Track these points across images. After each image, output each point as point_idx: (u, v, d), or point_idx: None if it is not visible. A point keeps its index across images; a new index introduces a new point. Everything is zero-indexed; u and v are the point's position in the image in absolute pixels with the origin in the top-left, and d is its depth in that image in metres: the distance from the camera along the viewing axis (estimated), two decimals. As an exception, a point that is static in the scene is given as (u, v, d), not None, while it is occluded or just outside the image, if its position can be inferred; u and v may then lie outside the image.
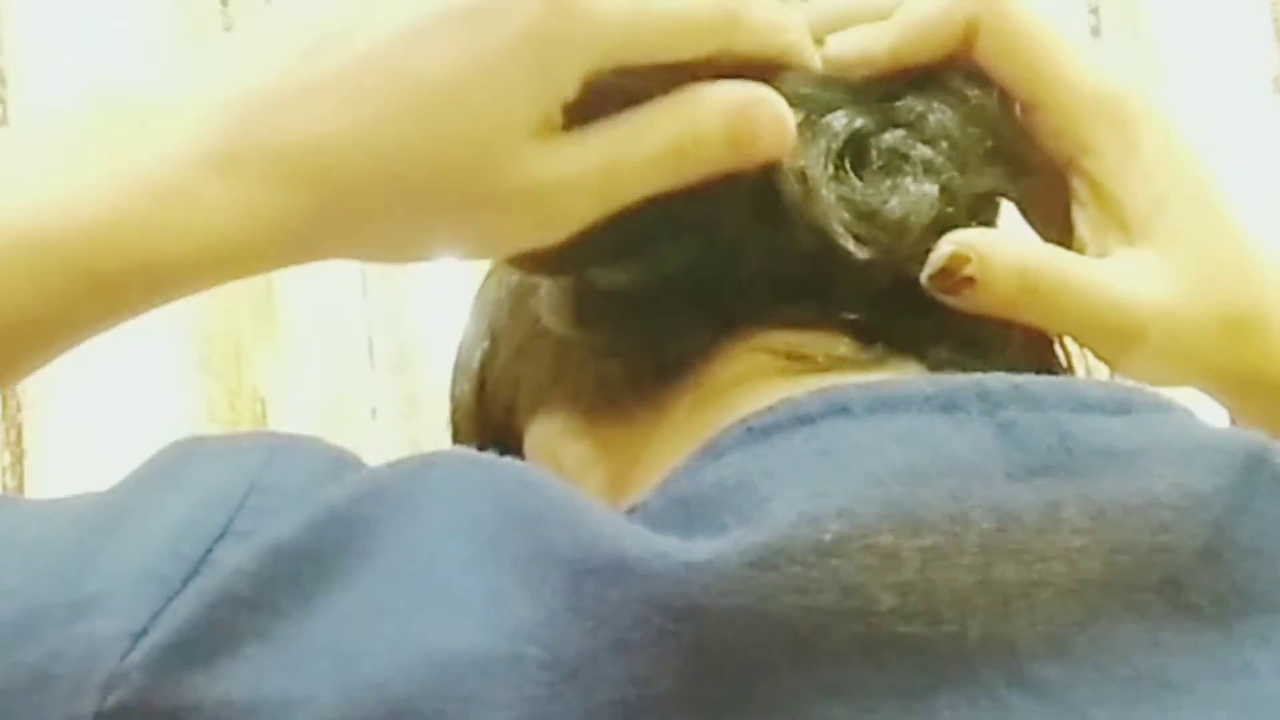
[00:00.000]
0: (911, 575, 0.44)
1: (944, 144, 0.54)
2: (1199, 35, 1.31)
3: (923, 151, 0.54)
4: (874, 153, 0.53)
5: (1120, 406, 0.49)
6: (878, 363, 0.53)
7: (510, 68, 0.48)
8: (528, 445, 0.59)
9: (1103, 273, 0.54)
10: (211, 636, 0.43)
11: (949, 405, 0.47)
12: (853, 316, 0.53)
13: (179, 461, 0.48)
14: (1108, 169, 0.55)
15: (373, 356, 1.23)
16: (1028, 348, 0.56)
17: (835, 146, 0.53)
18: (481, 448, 0.60)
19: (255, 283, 1.18)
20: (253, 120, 0.48)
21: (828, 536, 0.44)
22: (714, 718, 0.43)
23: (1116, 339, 0.54)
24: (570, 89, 0.48)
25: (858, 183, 0.53)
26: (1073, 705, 0.44)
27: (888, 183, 0.53)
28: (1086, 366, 0.59)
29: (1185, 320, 0.54)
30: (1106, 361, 0.55)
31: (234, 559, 0.44)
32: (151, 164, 0.47)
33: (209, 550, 0.44)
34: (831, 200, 0.52)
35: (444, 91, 0.48)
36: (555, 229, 0.50)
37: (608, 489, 0.55)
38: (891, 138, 0.54)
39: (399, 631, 0.43)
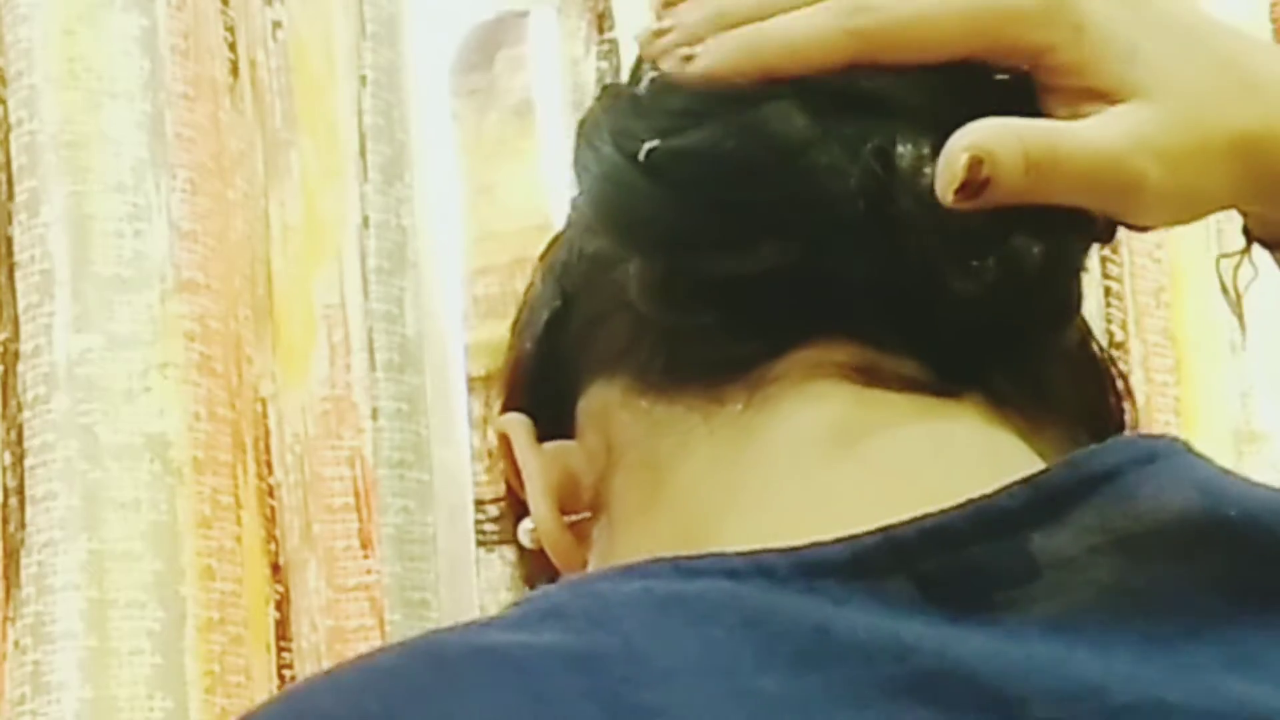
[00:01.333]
0: None
1: None
2: (1199, 35, 1.30)
3: None
4: None
5: (1045, 515, 0.49)
6: (942, 390, 0.53)
7: None
8: (581, 409, 0.60)
9: (1088, 131, 0.53)
10: None
11: (868, 571, 0.48)
12: (930, 342, 0.54)
13: None
14: (1067, 56, 0.54)
15: (373, 356, 1.23)
16: (1086, 397, 0.56)
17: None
18: (535, 407, 0.62)
19: (255, 282, 1.18)
20: None
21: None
22: None
23: (1119, 193, 0.53)
24: None
25: (976, 219, 0.53)
26: None
27: (1005, 223, 0.53)
28: (1134, 408, 0.60)
29: (1185, 154, 0.54)
30: (1121, 220, 0.55)
31: None
32: None
33: None
34: (944, 228, 0.53)
35: None
36: None
37: (646, 467, 0.56)
38: None
39: None
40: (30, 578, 1.10)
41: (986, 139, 0.52)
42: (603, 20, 1.26)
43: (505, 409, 0.64)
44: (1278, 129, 0.55)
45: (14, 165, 1.15)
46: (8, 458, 1.13)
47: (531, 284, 0.65)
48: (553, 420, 0.61)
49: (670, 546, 0.51)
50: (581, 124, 0.58)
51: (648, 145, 0.54)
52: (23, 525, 1.12)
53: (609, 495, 0.59)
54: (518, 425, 0.62)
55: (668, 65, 0.56)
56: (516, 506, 0.63)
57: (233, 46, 1.20)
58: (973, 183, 0.51)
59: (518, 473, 0.62)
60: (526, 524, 0.61)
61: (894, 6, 0.54)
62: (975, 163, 0.51)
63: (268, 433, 1.19)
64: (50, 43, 1.16)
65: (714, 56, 0.55)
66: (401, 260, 1.25)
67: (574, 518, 0.60)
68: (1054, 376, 0.56)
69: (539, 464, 0.60)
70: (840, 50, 0.54)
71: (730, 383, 0.55)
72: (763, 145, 0.54)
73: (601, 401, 0.59)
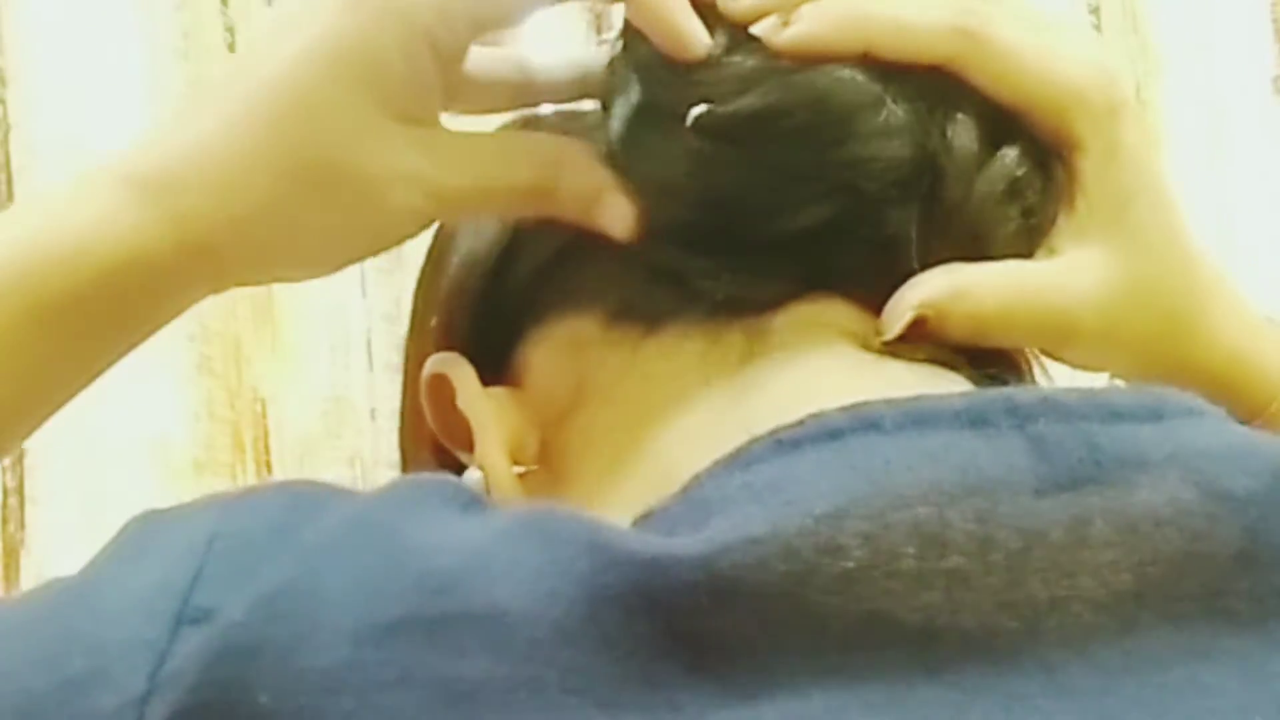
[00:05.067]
0: (937, 598, 0.44)
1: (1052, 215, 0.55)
2: (1199, 35, 1.31)
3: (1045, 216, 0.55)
4: (1026, 197, 0.54)
5: (1151, 413, 0.49)
6: (940, 360, 0.53)
7: (332, 58, 0.53)
8: (534, 347, 0.57)
9: (1046, 282, 0.54)
10: (215, 690, 0.42)
11: (978, 420, 0.47)
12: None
13: (139, 533, 0.48)
14: (1091, 165, 0.55)
15: (372, 356, 1.23)
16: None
17: (1002, 182, 0.54)
18: (475, 349, 0.58)
19: (255, 283, 1.18)
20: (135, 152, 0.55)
21: (850, 564, 0.44)
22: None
23: (1052, 340, 0.55)
24: (398, 66, 0.53)
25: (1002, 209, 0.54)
26: (1108, 712, 0.44)
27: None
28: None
29: (1125, 317, 0.55)
30: (1040, 352, 0.56)
31: (215, 603, 0.44)
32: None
33: (185, 601, 0.44)
34: (979, 223, 0.54)
35: (277, 89, 0.53)
36: (394, 221, 0.55)
37: (625, 401, 0.55)
38: (1035, 195, 0.55)
39: (407, 660, 0.43)
40: (30, 578, 1.10)
41: (939, 297, 0.53)
42: (601, 20, 1.26)
43: (436, 348, 0.59)
44: (1198, 309, 0.56)
45: (14, 165, 1.15)
46: (8, 458, 1.13)
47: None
48: (492, 364, 0.57)
49: (645, 491, 0.49)
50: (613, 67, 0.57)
51: (703, 107, 0.53)
52: (22, 525, 1.12)
53: (566, 438, 0.56)
54: (461, 368, 0.57)
55: (760, 29, 0.54)
56: (443, 462, 0.58)
57: (232, 47, 1.20)
58: (915, 328, 0.52)
59: (449, 423, 0.57)
60: (472, 480, 0.56)
61: (1003, 28, 0.54)
62: (920, 321, 0.52)
63: (268, 433, 1.19)
64: (50, 43, 1.16)
65: (814, 24, 0.53)
66: (401, 260, 1.25)
67: (520, 470, 0.56)
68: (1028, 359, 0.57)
69: (490, 411, 0.56)
70: (944, 44, 0.54)
71: (729, 326, 0.54)
72: (818, 106, 0.53)
73: (572, 336, 0.56)
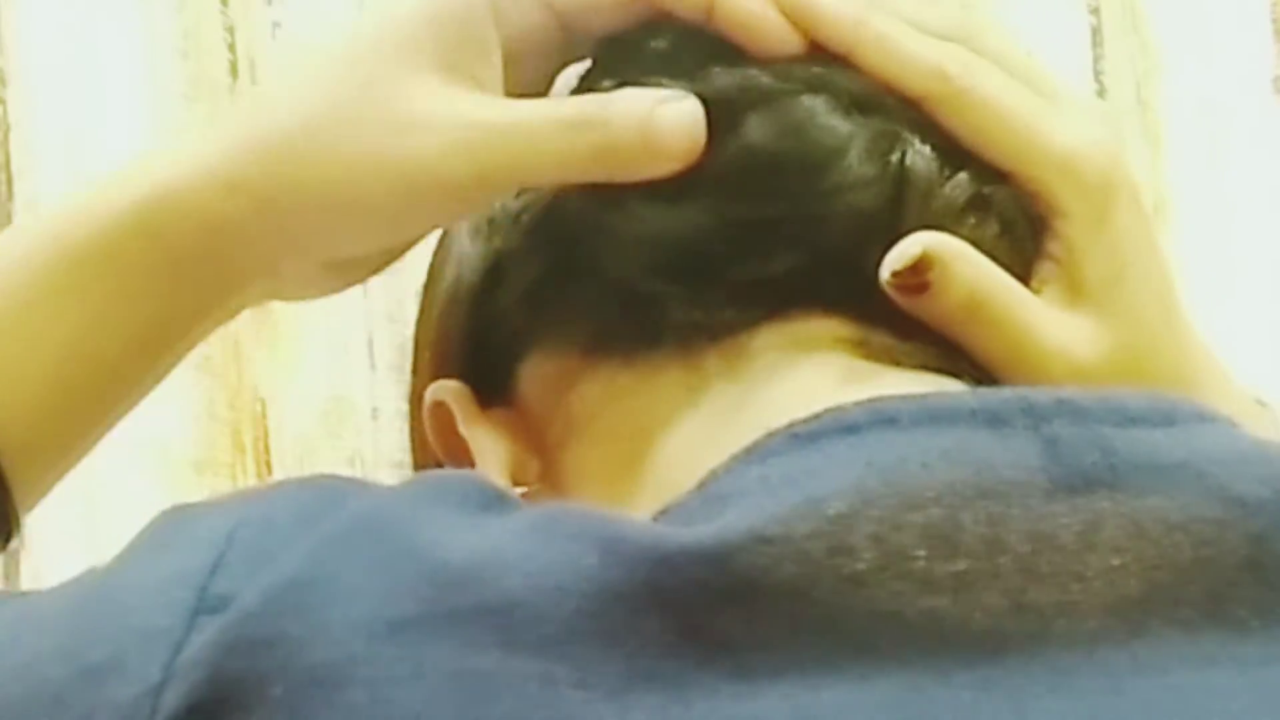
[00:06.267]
0: (945, 600, 0.44)
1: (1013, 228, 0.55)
2: (1199, 35, 1.31)
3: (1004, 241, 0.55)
4: (992, 207, 0.54)
5: (1165, 418, 0.49)
6: (931, 366, 0.53)
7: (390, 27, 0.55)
8: (527, 375, 0.58)
9: (1044, 322, 0.54)
10: (229, 683, 0.43)
11: (994, 420, 0.47)
12: (918, 323, 0.54)
13: (165, 526, 0.48)
14: (1076, 233, 0.55)
15: (373, 356, 1.23)
16: None
17: (958, 203, 0.54)
18: (472, 374, 0.59)
19: (255, 283, 1.18)
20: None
21: (861, 566, 0.44)
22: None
23: (1029, 373, 0.54)
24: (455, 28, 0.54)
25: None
26: (1116, 713, 0.45)
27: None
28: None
29: (1103, 385, 0.54)
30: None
31: (233, 589, 0.44)
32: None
33: (204, 590, 0.44)
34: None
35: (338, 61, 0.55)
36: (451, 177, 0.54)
37: (616, 437, 0.55)
38: (1001, 207, 0.54)
39: (419, 654, 0.43)
40: (30, 578, 1.10)
41: (950, 251, 0.52)
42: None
43: (435, 376, 0.60)
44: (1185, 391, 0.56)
45: (14, 165, 1.15)
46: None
47: (448, 242, 0.63)
48: (489, 388, 0.58)
49: (653, 505, 0.49)
50: None
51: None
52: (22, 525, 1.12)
53: (563, 466, 0.56)
54: (460, 394, 0.58)
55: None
56: None
57: (232, 47, 1.20)
58: (918, 272, 0.52)
59: (454, 448, 0.58)
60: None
61: (990, 82, 0.54)
62: (925, 261, 0.52)
63: (268, 433, 1.19)
64: (50, 43, 1.16)
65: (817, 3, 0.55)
66: (402, 261, 1.25)
67: (520, 490, 0.57)
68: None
69: (490, 436, 0.57)
70: (921, 81, 0.54)
71: (706, 351, 0.53)
72: (799, 149, 0.53)
73: (557, 368, 0.56)
